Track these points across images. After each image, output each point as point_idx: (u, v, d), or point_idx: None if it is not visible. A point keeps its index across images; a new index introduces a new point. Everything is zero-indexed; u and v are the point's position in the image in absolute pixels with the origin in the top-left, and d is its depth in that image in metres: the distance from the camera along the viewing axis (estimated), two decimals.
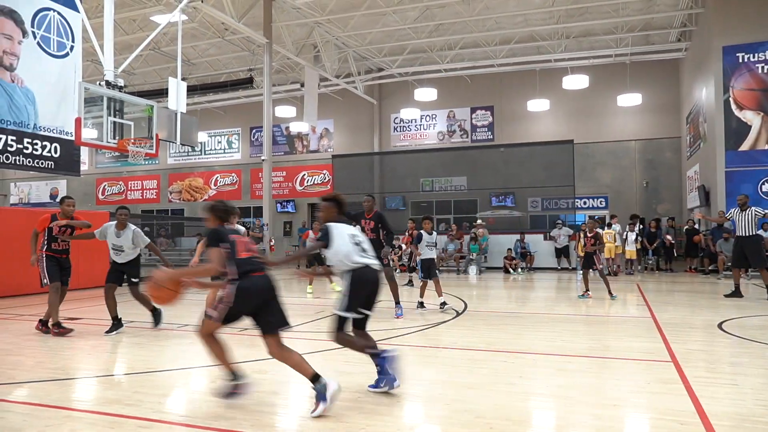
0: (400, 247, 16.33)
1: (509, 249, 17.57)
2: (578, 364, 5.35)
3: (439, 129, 25.06)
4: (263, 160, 19.32)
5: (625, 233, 16.03)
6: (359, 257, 4.38)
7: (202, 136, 27.14)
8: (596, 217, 15.33)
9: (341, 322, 4.38)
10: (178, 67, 12.15)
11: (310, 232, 12.62)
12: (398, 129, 25.69)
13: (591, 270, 10.48)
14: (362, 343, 4.47)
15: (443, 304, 9.05)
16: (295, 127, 24.40)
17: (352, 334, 4.48)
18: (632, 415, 3.98)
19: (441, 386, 4.61)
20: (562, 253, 17.99)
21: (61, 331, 7.00)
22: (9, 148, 10.99)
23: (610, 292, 10.26)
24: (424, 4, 18.01)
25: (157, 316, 7.50)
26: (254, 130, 27.70)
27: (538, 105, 21.23)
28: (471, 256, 17.30)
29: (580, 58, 21.92)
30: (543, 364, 5.40)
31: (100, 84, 10.62)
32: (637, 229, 16.07)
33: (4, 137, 10.88)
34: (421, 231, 9.20)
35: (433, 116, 25.06)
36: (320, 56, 21.23)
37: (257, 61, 21.75)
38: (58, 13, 11.98)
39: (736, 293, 10.17)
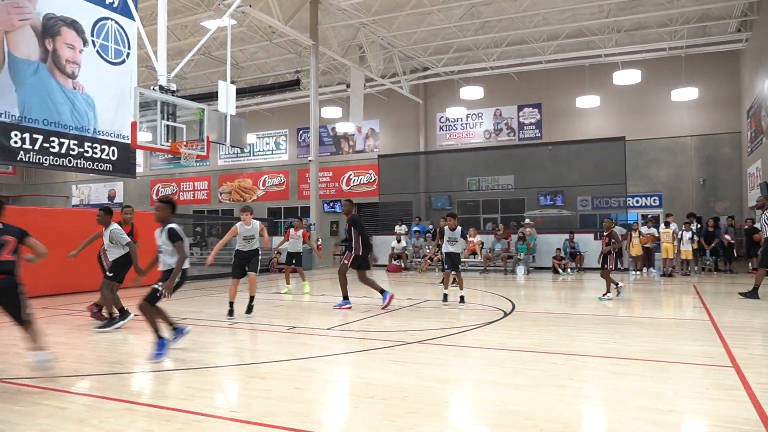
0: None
1: (558, 249, 17.22)
2: (632, 368, 5.19)
3: (486, 127, 24.80)
4: (310, 160, 19.57)
5: (680, 232, 15.45)
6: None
7: (250, 138, 27.71)
8: (650, 216, 14.85)
9: (157, 296, 5.61)
10: (227, 71, 12.44)
11: (291, 230, 12.24)
12: (444, 128, 25.56)
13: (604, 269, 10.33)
14: (164, 316, 5.93)
15: (462, 297, 9.64)
16: (342, 128, 24.62)
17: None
18: (690, 421, 3.83)
19: (489, 387, 4.56)
20: None
21: (98, 315, 7.88)
22: (71, 152, 11.52)
23: (606, 293, 10.09)
24: (469, 2, 17.86)
25: (123, 316, 7.59)
26: (301, 131, 28.09)
27: (587, 101, 20.73)
28: (518, 256, 17.05)
29: (631, 52, 21.28)
30: (594, 366, 5.27)
31: (154, 89, 10.98)
32: (693, 228, 15.46)
33: (66, 141, 11.41)
34: (445, 226, 9.76)
35: (479, 115, 24.82)
36: (366, 57, 21.35)
37: (304, 63, 22.05)
38: (116, 22, 12.47)
39: (753, 294, 9.82)
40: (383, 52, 21.85)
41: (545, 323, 7.80)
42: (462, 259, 10.03)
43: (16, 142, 10.60)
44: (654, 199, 22.23)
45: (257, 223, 8.74)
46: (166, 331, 5.87)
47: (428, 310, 9.13)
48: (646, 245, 15.82)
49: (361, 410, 4.03)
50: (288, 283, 12.32)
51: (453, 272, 9.76)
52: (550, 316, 8.51)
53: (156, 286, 5.63)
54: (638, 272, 15.90)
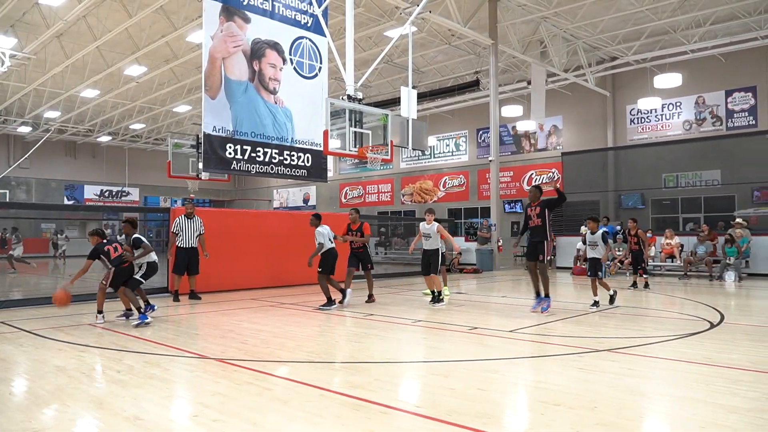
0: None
1: None
2: None
3: (685, 117, 22.35)
4: (490, 160, 19.41)
5: None
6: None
7: (431, 140, 28.34)
8: None
9: (138, 284, 7.80)
10: (409, 77, 12.85)
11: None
12: (635, 121, 23.60)
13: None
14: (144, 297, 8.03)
15: (611, 298, 9.33)
16: (522, 126, 24.02)
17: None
18: None
19: (692, 405, 4.10)
20: None
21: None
22: (273, 160, 12.85)
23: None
24: None
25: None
26: (481, 132, 28.00)
27: None
28: (727, 261, 15.07)
29: None
30: None
31: (342, 98, 11.76)
32: None
33: (269, 151, 12.76)
34: (586, 229, 9.83)
35: (678, 104, 22.46)
36: (547, 51, 20.58)
37: (483, 63, 21.95)
38: (310, 40, 13.64)
39: None
40: (566, 45, 20.85)
41: (764, 338, 6.80)
42: (603, 263, 9.40)
43: (230, 153, 12.11)
44: None
45: (435, 224, 9.70)
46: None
47: (619, 316, 8.50)
48: None
49: (546, 417, 3.89)
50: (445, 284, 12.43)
51: (595, 278, 9.29)
52: None
53: None
54: None
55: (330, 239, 9.54)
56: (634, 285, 12.68)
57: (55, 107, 27.36)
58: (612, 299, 9.29)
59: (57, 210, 25.87)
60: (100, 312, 7.82)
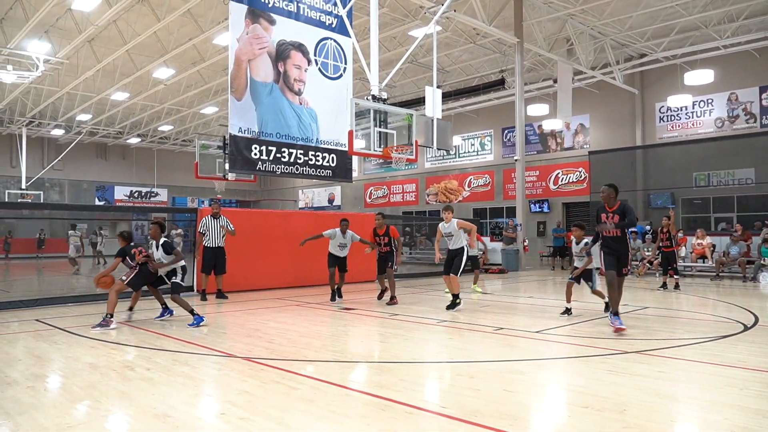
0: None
1: None
2: None
3: (717, 115, 21.84)
4: (516, 160, 19.25)
5: None
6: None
7: (456, 140, 28.19)
8: None
9: (180, 288, 7.90)
10: (433, 76, 12.84)
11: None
12: (665, 119, 23.14)
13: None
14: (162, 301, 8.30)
15: (606, 305, 8.18)
16: (548, 125, 23.75)
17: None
18: None
19: (725, 410, 4.00)
20: None
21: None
22: (298, 160, 12.94)
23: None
24: None
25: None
26: (506, 131, 27.78)
27: None
28: (762, 261, 14.69)
29: None
30: None
31: (367, 98, 11.78)
32: None
33: (294, 151, 12.86)
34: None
35: (709, 101, 21.95)
36: (574, 49, 20.31)
37: (508, 61, 21.77)
38: (334, 41, 13.70)
39: None
40: (593, 43, 20.55)
41: None
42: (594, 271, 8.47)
43: (255, 154, 12.24)
44: None
45: (455, 221, 9.18)
46: None
47: (648, 318, 8.35)
48: None
49: (573, 419, 3.85)
50: (475, 283, 12.41)
51: (572, 283, 8.45)
52: None
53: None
54: None
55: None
56: (664, 286, 12.45)
57: (86, 110, 28.00)
58: (607, 307, 8.06)
59: (88, 210, 26.38)
60: (111, 315, 7.43)
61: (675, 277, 12.51)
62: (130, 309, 8.36)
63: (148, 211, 32.30)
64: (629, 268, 7.28)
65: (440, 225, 9.41)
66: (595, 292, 8.53)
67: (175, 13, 16.55)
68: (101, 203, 35.00)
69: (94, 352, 6.02)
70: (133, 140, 34.84)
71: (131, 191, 37.18)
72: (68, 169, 34.37)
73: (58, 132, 31.86)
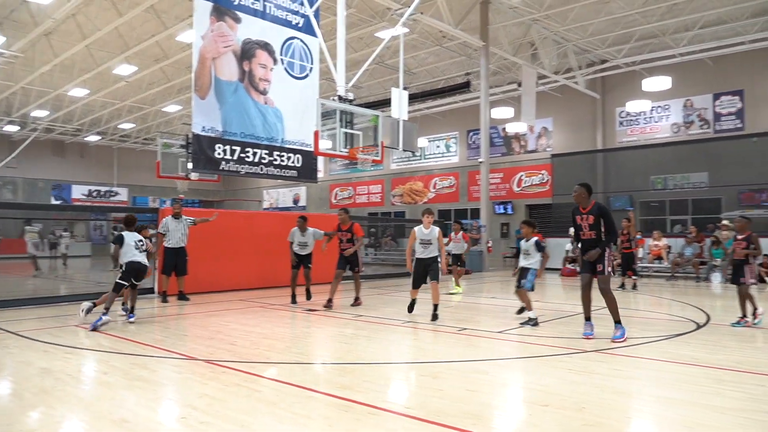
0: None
1: (766, 255, 15.01)
2: None
3: (674, 120, 22.53)
4: (480, 162, 19.47)
5: None
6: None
7: (421, 141, 28.35)
8: None
9: (120, 286, 7.74)
10: (400, 78, 12.86)
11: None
12: (624, 123, 23.76)
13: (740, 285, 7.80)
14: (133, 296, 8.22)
15: (521, 308, 8.47)
16: (513, 128, 24.09)
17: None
18: None
19: (678, 406, 4.13)
20: None
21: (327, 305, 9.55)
22: (263, 161, 12.80)
23: (745, 315, 7.79)
24: None
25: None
26: (471, 133, 28.07)
27: None
28: (713, 262, 15.22)
29: None
30: None
31: (333, 99, 11.74)
32: None
33: (259, 151, 12.71)
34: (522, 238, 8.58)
35: (666, 107, 22.64)
36: (538, 54, 20.67)
37: (474, 64, 22.00)
38: (301, 41, 13.61)
39: None
40: (557, 48, 20.97)
41: (749, 339, 6.87)
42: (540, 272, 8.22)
43: (219, 154, 12.05)
44: None
45: (437, 229, 8.36)
46: None
47: (607, 317, 8.51)
48: None
49: (534, 418, 3.91)
50: (457, 284, 12.44)
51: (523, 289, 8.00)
52: (756, 331, 7.48)
53: None
54: None
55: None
56: (623, 286, 12.77)
57: (43, 106, 27.10)
58: (531, 321, 7.77)
59: (43, 210, 25.50)
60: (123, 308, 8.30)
61: (633, 277, 12.85)
62: (131, 309, 8.29)
63: (106, 211, 31.42)
64: (609, 268, 6.84)
65: (416, 229, 8.36)
66: (519, 292, 8.09)
67: (137, 8, 16.19)
68: (57, 202, 33.95)
69: (47, 356, 5.82)
70: (93, 138, 33.91)
71: (90, 190, 36.17)
72: (23, 167, 33.17)
73: (11, 128, 30.76)
